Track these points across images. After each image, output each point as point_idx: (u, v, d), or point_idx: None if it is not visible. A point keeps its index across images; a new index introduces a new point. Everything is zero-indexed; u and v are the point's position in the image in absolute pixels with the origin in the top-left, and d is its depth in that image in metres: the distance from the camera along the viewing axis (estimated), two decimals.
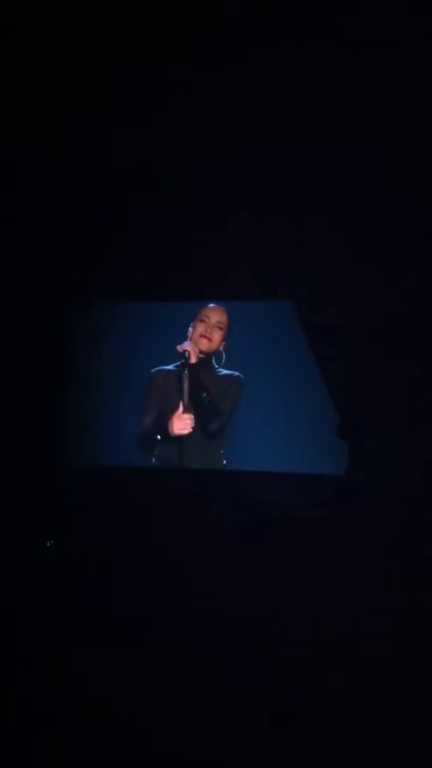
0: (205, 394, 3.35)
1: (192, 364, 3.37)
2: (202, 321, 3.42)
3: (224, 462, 3.46)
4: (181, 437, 3.35)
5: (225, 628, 2.59)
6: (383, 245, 3.15)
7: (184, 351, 3.37)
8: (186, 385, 3.37)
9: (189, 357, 3.37)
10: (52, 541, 3.21)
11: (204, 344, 3.42)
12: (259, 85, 2.73)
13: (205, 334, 3.40)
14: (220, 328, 3.42)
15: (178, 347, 3.40)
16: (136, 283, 3.52)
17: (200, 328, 3.42)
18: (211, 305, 3.46)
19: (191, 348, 3.38)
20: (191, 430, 3.35)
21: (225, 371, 3.48)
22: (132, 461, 3.51)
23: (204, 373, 3.41)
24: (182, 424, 3.35)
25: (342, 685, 2.35)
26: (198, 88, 2.78)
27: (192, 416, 3.36)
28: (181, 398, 3.37)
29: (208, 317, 3.43)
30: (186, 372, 3.36)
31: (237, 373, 3.47)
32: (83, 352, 3.78)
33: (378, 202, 3.10)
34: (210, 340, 3.41)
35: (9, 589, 2.90)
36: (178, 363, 3.44)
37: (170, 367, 3.51)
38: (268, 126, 2.91)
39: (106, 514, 3.28)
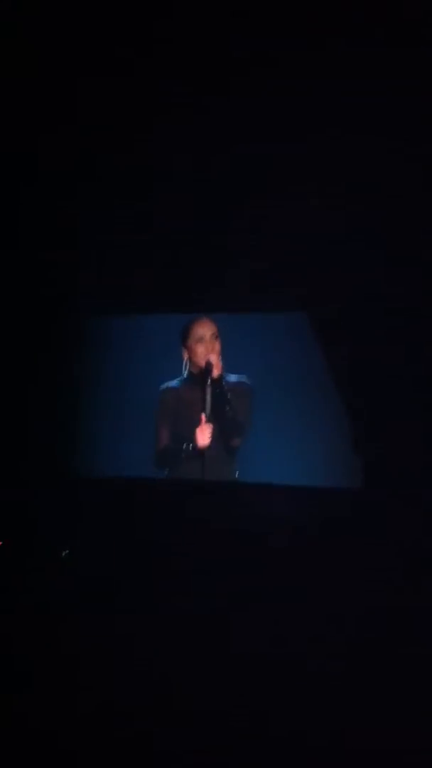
0: (227, 408, 3.35)
1: (215, 378, 3.35)
2: (199, 342, 3.41)
3: (237, 474, 3.47)
4: (203, 452, 3.36)
5: (229, 643, 2.57)
6: (400, 251, 3.14)
7: (208, 363, 3.36)
8: (209, 398, 3.35)
9: (212, 370, 3.35)
10: (67, 551, 3.21)
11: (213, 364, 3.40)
12: (257, 88, 2.73)
13: (208, 352, 3.39)
14: (216, 337, 3.42)
15: (203, 361, 3.39)
16: (141, 294, 3.52)
17: (201, 349, 3.40)
18: (198, 321, 3.44)
19: (215, 361, 3.37)
20: (209, 441, 3.35)
21: (232, 378, 3.46)
22: (136, 472, 3.50)
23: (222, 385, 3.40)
24: (205, 436, 3.35)
25: (346, 697, 2.33)
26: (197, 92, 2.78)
27: (211, 427, 3.35)
28: (204, 410, 3.36)
29: (203, 336, 3.41)
30: (209, 384, 3.34)
31: (244, 380, 3.46)
32: (86, 361, 3.76)
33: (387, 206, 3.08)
34: (214, 354, 3.40)
35: (12, 596, 2.88)
36: (181, 378, 3.47)
37: (175, 383, 3.51)
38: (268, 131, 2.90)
39: (112, 527, 3.28)
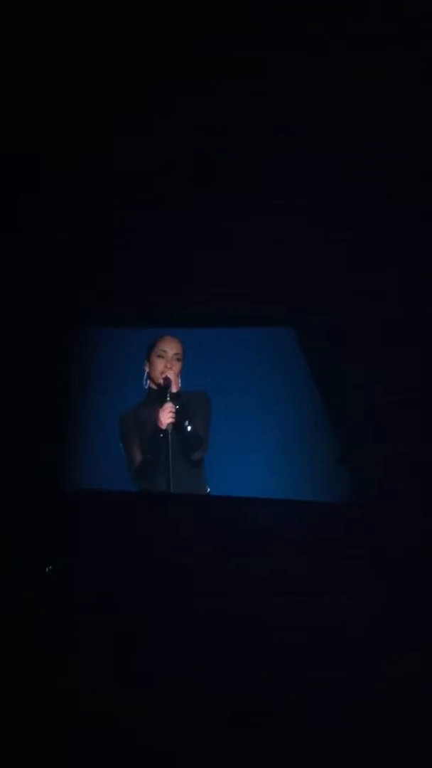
0: (186, 423, 3.34)
1: (174, 393, 3.36)
2: (160, 357, 3.41)
3: (208, 489, 3.44)
4: (168, 468, 3.31)
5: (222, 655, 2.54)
6: (386, 261, 3.17)
7: (166, 379, 3.37)
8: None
9: (170, 386, 3.36)
10: (50, 567, 3.16)
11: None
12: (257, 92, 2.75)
13: (166, 369, 3.40)
14: (178, 360, 3.42)
15: (160, 377, 3.39)
16: (135, 308, 3.55)
17: (160, 365, 3.41)
18: (166, 337, 3.45)
19: (173, 377, 3.38)
20: (175, 419, 3.33)
21: (187, 391, 3.47)
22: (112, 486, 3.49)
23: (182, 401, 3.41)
24: (166, 414, 3.33)
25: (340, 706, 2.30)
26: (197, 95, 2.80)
27: (172, 406, 3.33)
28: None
29: (165, 351, 3.42)
30: (168, 400, 3.35)
31: (201, 391, 3.46)
32: (82, 375, 3.75)
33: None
34: (172, 372, 3.41)
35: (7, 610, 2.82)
36: (140, 402, 3.46)
37: (130, 407, 3.49)
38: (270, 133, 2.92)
39: (97, 541, 3.23)
